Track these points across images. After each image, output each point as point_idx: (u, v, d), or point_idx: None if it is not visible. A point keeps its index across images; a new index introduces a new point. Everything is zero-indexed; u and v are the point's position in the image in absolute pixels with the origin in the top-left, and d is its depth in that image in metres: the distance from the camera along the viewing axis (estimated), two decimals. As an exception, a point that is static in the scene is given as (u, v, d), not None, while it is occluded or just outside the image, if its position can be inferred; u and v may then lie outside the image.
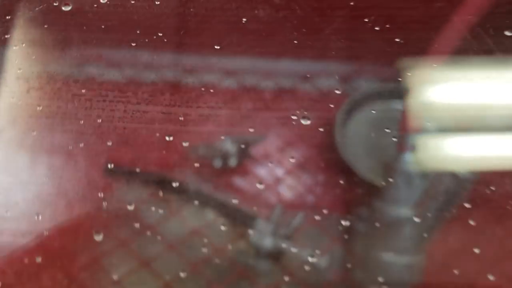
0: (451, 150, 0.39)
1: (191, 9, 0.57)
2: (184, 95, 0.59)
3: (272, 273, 0.45)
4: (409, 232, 0.40)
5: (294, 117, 0.58)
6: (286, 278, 0.46)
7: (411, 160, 0.40)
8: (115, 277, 0.46)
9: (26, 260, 0.49)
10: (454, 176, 0.39)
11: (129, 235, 0.49)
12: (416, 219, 0.40)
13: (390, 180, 0.41)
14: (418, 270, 0.41)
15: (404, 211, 0.40)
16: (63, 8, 0.52)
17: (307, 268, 0.47)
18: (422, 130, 0.40)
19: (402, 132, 0.41)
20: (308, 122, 0.58)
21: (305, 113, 0.58)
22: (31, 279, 0.46)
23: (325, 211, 0.51)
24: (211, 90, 0.59)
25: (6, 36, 0.53)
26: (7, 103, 0.52)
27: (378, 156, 0.55)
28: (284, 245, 0.44)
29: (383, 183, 0.42)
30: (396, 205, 0.40)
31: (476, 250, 0.44)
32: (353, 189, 0.52)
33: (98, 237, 0.51)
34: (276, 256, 0.45)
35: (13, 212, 0.48)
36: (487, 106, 0.38)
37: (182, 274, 0.46)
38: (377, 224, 0.41)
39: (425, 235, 0.40)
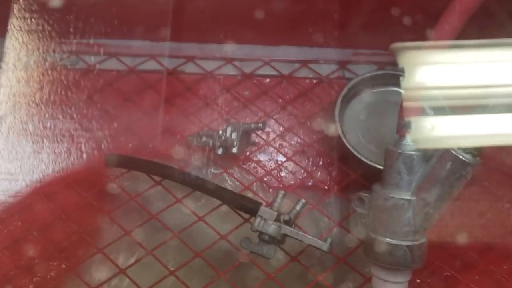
0: (450, 132, 0.40)
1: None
2: (184, 83, 0.59)
3: (276, 258, 0.46)
4: (410, 216, 0.40)
5: (294, 103, 0.58)
6: (289, 263, 0.47)
7: (411, 143, 0.40)
8: (120, 264, 0.46)
9: (24, 247, 0.49)
10: (455, 158, 0.39)
11: (133, 223, 0.50)
12: (417, 203, 0.40)
13: (390, 163, 0.41)
14: (419, 254, 0.41)
15: (404, 194, 0.40)
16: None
17: (309, 251, 0.48)
18: (421, 113, 0.40)
19: (402, 115, 0.41)
20: (308, 107, 0.58)
21: (305, 98, 0.59)
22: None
23: (326, 195, 0.52)
24: (211, 78, 0.59)
25: (4, 27, 0.52)
26: (7, 92, 0.52)
27: (378, 140, 0.56)
28: (287, 230, 0.45)
29: (384, 166, 0.42)
30: (397, 189, 0.41)
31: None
32: (353, 173, 0.53)
33: (102, 225, 0.51)
34: (279, 241, 0.46)
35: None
36: (484, 86, 0.39)
37: (186, 262, 0.46)
38: (378, 208, 0.42)
39: (426, 218, 0.40)
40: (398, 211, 0.41)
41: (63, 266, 0.47)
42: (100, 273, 0.50)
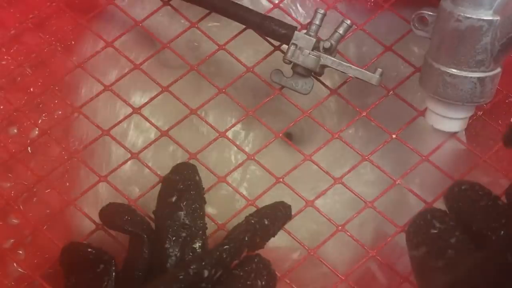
0: None
1: None
2: None
3: (313, 92, 0.39)
4: (488, 42, 0.32)
5: None
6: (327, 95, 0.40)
7: None
8: (133, 103, 0.40)
9: (21, 85, 0.43)
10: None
11: (141, 54, 0.42)
12: (502, 22, 0.31)
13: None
14: (490, 87, 0.34)
15: (485, 13, 0.31)
16: None
17: (353, 83, 0.41)
18: None
19: None
20: None
21: None
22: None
23: (376, 13, 0.42)
24: None
25: None
26: None
27: None
28: (327, 61, 0.37)
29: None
30: (474, 5, 0.31)
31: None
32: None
33: (106, 57, 0.44)
34: (317, 73, 0.38)
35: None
36: None
37: (207, 100, 0.40)
38: (446, 31, 0.33)
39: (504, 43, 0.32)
40: (474, 36, 0.32)
41: (67, 102, 0.41)
42: (110, 112, 0.44)
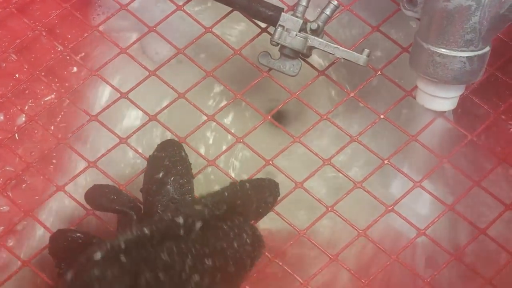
0: None
1: None
2: None
3: (299, 74, 0.39)
4: (476, 21, 0.32)
5: None
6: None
7: None
8: (120, 88, 0.40)
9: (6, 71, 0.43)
10: None
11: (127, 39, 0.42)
12: (490, 2, 0.31)
13: None
14: (479, 66, 0.34)
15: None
16: None
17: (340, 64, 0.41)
18: None
19: None
20: None
21: None
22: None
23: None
24: None
25: None
26: None
27: None
28: (315, 42, 0.37)
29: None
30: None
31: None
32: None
33: (90, 41, 0.43)
34: (304, 54, 0.38)
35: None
36: None
37: (195, 83, 0.39)
38: (435, 11, 0.33)
39: (499, 19, 0.32)
40: (462, 15, 0.32)
41: (54, 87, 0.41)
42: (99, 97, 0.44)
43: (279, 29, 0.37)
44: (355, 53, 0.37)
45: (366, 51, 0.37)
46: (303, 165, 0.42)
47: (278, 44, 0.38)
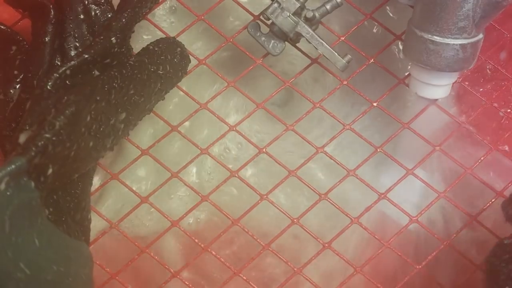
0: None
1: None
2: None
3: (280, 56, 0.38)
4: (470, 8, 0.32)
5: None
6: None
7: None
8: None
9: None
10: None
11: None
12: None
13: None
14: (472, 53, 0.34)
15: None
16: None
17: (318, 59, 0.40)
18: None
19: None
20: None
21: None
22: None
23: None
24: None
25: None
26: None
27: None
28: (303, 30, 0.36)
29: None
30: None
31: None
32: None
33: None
34: (292, 39, 0.37)
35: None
36: None
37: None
38: (428, 2, 0.33)
39: (485, 10, 0.32)
40: (455, 3, 0.32)
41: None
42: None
43: (275, 4, 0.36)
44: (336, 54, 0.36)
45: (349, 57, 0.36)
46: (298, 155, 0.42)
47: (269, 19, 0.37)
